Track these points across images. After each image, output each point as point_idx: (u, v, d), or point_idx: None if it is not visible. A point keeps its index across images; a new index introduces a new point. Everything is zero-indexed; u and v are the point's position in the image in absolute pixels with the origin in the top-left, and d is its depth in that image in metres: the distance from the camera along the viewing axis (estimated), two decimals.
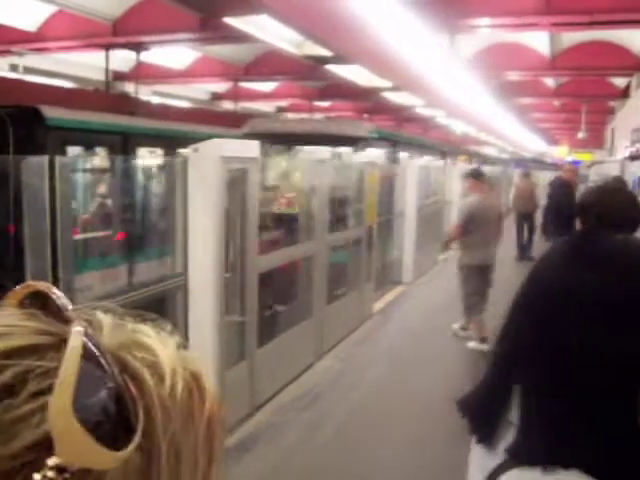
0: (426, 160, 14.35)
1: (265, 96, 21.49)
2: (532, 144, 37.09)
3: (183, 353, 0.52)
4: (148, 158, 9.06)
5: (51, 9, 12.49)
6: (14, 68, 13.98)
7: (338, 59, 8.67)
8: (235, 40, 11.12)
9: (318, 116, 23.07)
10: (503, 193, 25.63)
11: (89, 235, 7.07)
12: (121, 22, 12.23)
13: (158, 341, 0.50)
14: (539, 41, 14.38)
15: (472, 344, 7.29)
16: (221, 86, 20.32)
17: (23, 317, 0.47)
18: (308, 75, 15.12)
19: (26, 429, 0.41)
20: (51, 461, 0.40)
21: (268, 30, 7.25)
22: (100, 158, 8.20)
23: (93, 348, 0.44)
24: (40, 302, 0.48)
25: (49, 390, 0.41)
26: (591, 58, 14.48)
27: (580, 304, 0.94)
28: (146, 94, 15.80)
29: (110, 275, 6.69)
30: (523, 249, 13.84)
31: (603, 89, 19.33)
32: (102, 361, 0.44)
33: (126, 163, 7.39)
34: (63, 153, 6.96)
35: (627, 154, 13.57)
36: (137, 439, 0.43)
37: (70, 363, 0.41)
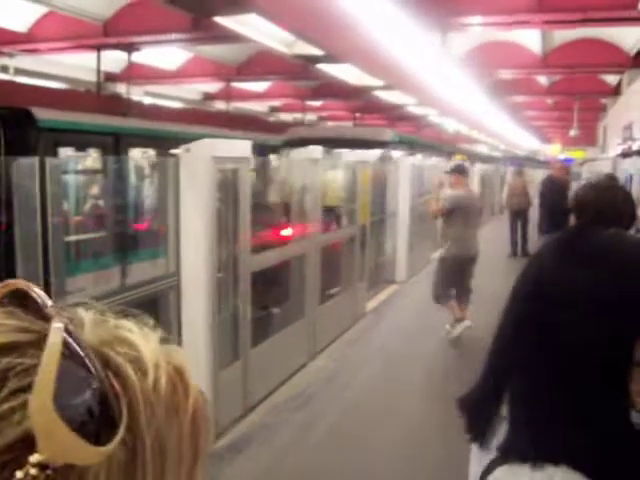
0: (418, 158, 14.35)
1: (258, 96, 21.47)
2: (525, 142, 37.16)
3: (166, 348, 0.52)
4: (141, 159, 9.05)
5: (41, 10, 12.44)
6: (5, 69, 13.93)
7: (329, 58, 8.67)
8: (227, 40, 11.09)
9: (311, 116, 23.31)
10: (496, 191, 25.76)
11: (82, 237, 7.06)
12: (112, 23, 12.20)
13: (140, 336, 0.50)
14: (531, 39, 14.40)
15: (457, 330, 7.51)
16: (213, 86, 20.29)
17: (2, 315, 0.46)
18: (300, 75, 15.11)
19: (7, 427, 0.41)
20: (33, 458, 0.40)
21: (259, 29, 7.24)
22: (92, 159, 8.19)
23: (74, 344, 0.44)
24: (19, 300, 0.48)
25: (30, 387, 0.40)
26: (583, 56, 14.51)
27: (572, 301, 0.94)
28: (138, 95, 15.78)
29: (103, 276, 6.68)
30: (516, 246, 13.95)
31: (595, 87, 19.39)
32: (83, 357, 0.44)
33: (118, 164, 7.38)
34: (55, 154, 6.94)
35: (619, 151, 13.60)
36: (120, 434, 0.43)
37: (50, 360, 0.41)
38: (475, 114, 18.68)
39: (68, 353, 0.43)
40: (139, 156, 9.12)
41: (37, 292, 0.48)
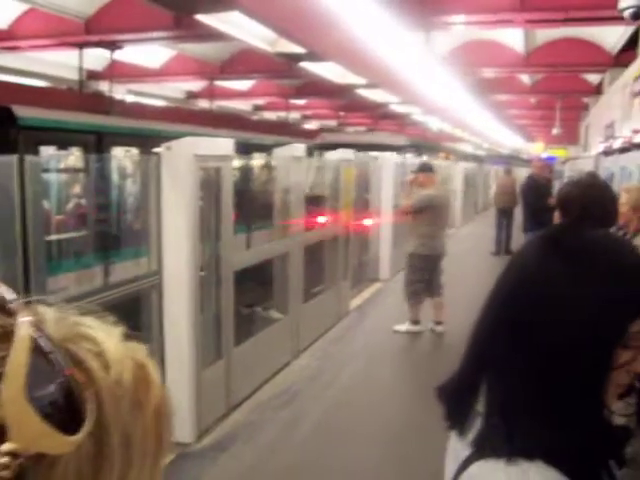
0: (402, 157, 14.40)
1: (241, 94, 21.41)
2: (509, 140, 37.31)
3: (129, 343, 0.53)
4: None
5: (22, 7, 12.33)
6: None
7: (312, 56, 8.66)
8: (209, 38, 11.05)
9: (293, 115, 23.35)
10: (480, 189, 25.90)
11: (64, 236, 7.02)
12: (94, 20, 12.11)
13: (103, 332, 0.51)
14: (514, 38, 14.46)
15: (404, 327, 7.72)
16: (196, 84, 20.22)
17: None
18: (284, 73, 15.09)
19: None
20: (5, 447, 0.41)
21: (241, 27, 7.22)
22: (75, 158, 8.14)
23: (41, 338, 0.45)
24: None
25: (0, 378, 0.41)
26: (565, 55, 14.59)
27: (556, 301, 0.94)
28: (121, 93, 15.69)
29: (85, 275, 6.64)
30: (500, 244, 14.03)
31: (577, 86, 19.50)
32: (50, 350, 0.45)
33: (100, 162, 7.34)
34: (36, 153, 6.90)
35: (600, 149, 13.68)
36: (89, 425, 0.45)
37: (19, 352, 0.42)
38: (458, 113, 18.75)
39: (36, 346, 0.44)
40: (122, 154, 9.08)
41: None
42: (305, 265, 7.32)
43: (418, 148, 17.81)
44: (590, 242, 0.99)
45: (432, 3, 9.72)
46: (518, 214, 11.73)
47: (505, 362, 0.97)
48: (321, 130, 19.66)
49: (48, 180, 6.83)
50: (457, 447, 1.04)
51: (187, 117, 13.34)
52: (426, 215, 7.54)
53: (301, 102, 23.60)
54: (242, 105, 23.86)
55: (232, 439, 4.93)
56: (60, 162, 7.65)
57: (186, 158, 4.64)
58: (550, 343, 0.92)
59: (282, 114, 22.76)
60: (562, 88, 19.08)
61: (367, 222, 11.01)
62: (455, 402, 1.06)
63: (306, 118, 28.00)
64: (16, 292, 0.49)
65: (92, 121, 8.33)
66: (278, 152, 7.19)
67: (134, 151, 9.19)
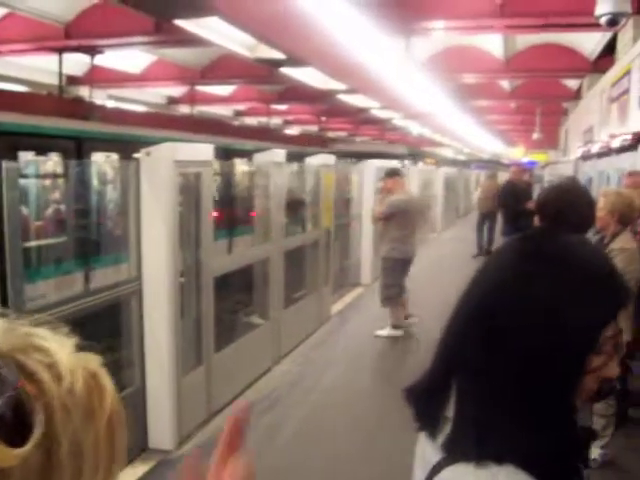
0: (383, 162, 14.44)
1: (222, 100, 21.37)
2: (489, 145, 37.51)
3: (81, 354, 0.53)
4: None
5: (1, 12, 12.24)
6: None
7: (291, 62, 8.67)
8: (189, 43, 11.02)
9: (275, 120, 23.40)
10: (460, 193, 26.01)
11: (42, 242, 6.95)
12: (73, 25, 12.04)
13: (55, 343, 0.51)
14: (494, 44, 14.56)
15: (385, 331, 7.82)
16: (177, 90, 20.16)
17: None
18: (265, 79, 15.07)
19: None
20: None
21: (220, 33, 7.21)
22: (54, 163, 8.06)
23: None
24: None
25: None
26: (544, 60, 14.72)
27: (530, 306, 0.93)
28: (101, 98, 15.61)
29: (64, 282, 6.58)
30: (482, 247, 14.15)
31: (556, 91, 19.65)
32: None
33: (80, 168, 7.28)
34: (14, 158, 6.82)
35: (579, 154, 13.80)
36: (36, 437, 0.44)
37: None
38: (439, 118, 18.85)
39: None
40: (102, 160, 9.02)
41: None
42: (286, 270, 7.31)
43: (414, 156, 20.51)
44: (564, 247, 0.99)
45: (412, 9, 9.76)
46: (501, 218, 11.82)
47: (478, 365, 0.96)
48: (334, 140, 21.55)
49: (26, 186, 6.77)
50: (426, 451, 1.04)
51: (168, 122, 13.28)
52: (396, 220, 7.66)
53: (282, 107, 23.61)
54: (223, 110, 23.81)
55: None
56: (39, 168, 7.58)
57: (165, 164, 4.62)
58: (525, 347, 0.92)
59: (263, 119, 22.74)
60: (541, 93, 19.23)
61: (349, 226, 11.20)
62: (424, 404, 1.06)
63: (287, 123, 27.99)
64: None
65: (72, 126, 8.26)
66: (258, 157, 7.18)
67: (114, 157, 9.13)
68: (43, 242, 6.97)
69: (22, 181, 6.25)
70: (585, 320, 0.92)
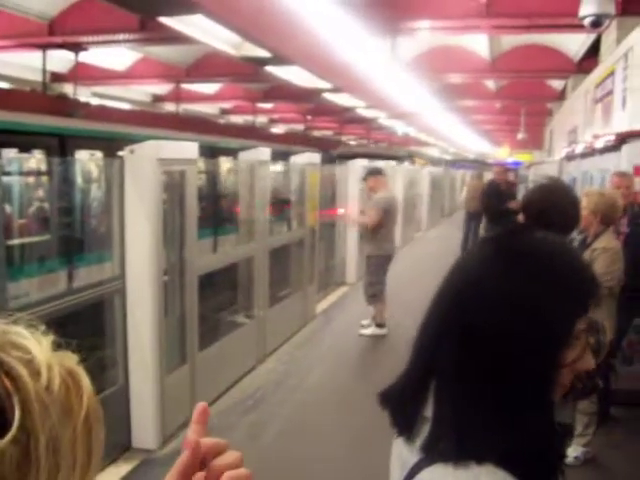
0: (368, 161, 14.47)
1: (208, 98, 21.30)
2: (475, 145, 37.63)
3: (59, 351, 0.54)
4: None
5: None
6: None
7: (277, 60, 8.66)
8: (174, 41, 10.98)
9: (260, 119, 23.48)
10: (445, 193, 26.10)
11: (25, 240, 6.91)
12: (57, 22, 11.94)
13: (32, 340, 0.51)
14: (479, 44, 14.60)
15: (369, 330, 7.90)
16: (162, 88, 20.07)
17: None
18: (250, 77, 15.03)
19: None
20: None
21: (205, 31, 7.18)
22: (37, 161, 8.01)
23: None
24: None
25: None
26: (529, 61, 14.78)
27: (501, 299, 0.94)
28: (85, 95, 15.51)
29: (48, 281, 6.54)
30: (467, 246, 14.16)
31: (541, 91, 19.75)
32: None
33: (63, 165, 7.24)
34: None
35: (563, 154, 13.86)
36: (12, 432, 0.45)
37: None
38: (424, 117, 18.89)
39: None
40: (86, 158, 8.97)
41: None
42: (271, 269, 7.31)
43: (411, 157, 23.05)
44: (537, 244, 1.00)
45: (398, 9, 9.76)
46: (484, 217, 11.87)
47: (455, 365, 0.96)
48: (341, 142, 23.81)
49: (9, 183, 6.72)
50: (403, 453, 1.03)
51: (153, 120, 13.22)
52: (385, 217, 7.76)
53: (268, 106, 23.57)
54: (209, 108, 23.74)
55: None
56: (22, 165, 7.53)
57: (149, 162, 4.61)
58: (500, 343, 0.92)
59: (249, 118, 22.69)
60: (526, 94, 19.32)
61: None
62: (402, 407, 1.05)
63: (273, 122, 27.94)
64: None
65: (55, 124, 8.20)
66: (243, 156, 7.16)
67: (99, 154, 9.08)
68: (26, 240, 6.93)
69: (5, 178, 6.21)
70: (558, 314, 0.93)
